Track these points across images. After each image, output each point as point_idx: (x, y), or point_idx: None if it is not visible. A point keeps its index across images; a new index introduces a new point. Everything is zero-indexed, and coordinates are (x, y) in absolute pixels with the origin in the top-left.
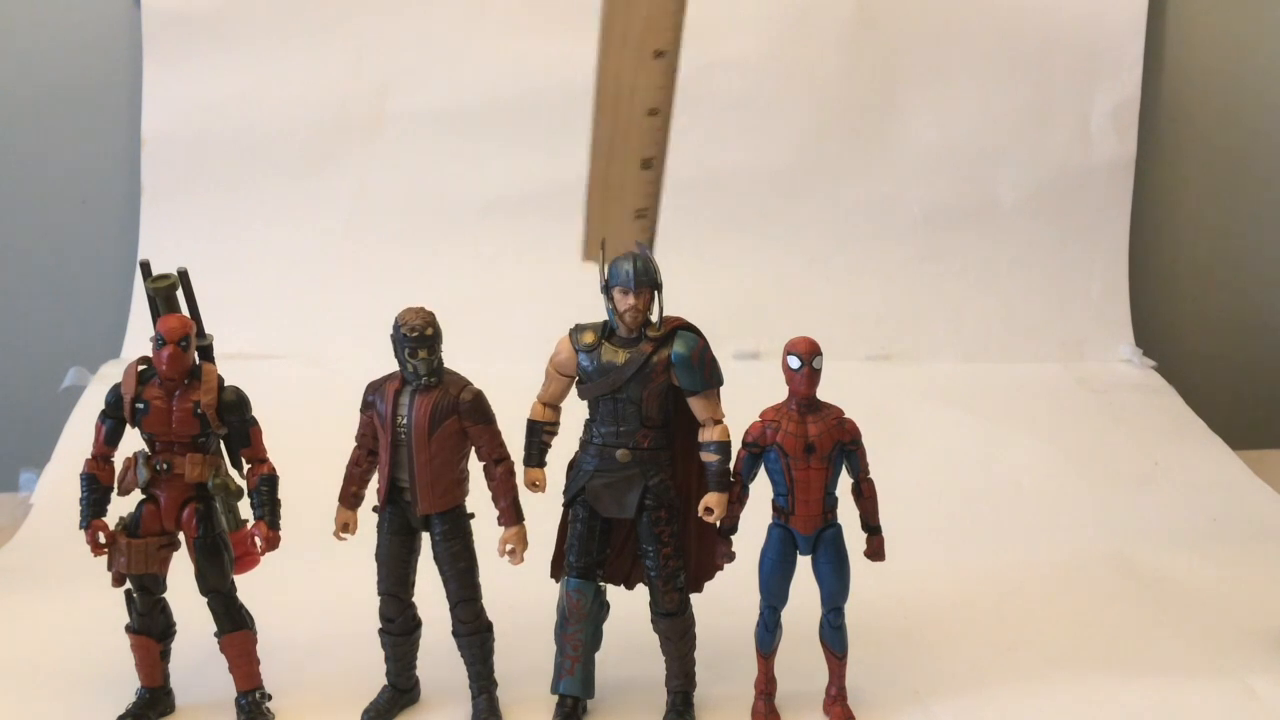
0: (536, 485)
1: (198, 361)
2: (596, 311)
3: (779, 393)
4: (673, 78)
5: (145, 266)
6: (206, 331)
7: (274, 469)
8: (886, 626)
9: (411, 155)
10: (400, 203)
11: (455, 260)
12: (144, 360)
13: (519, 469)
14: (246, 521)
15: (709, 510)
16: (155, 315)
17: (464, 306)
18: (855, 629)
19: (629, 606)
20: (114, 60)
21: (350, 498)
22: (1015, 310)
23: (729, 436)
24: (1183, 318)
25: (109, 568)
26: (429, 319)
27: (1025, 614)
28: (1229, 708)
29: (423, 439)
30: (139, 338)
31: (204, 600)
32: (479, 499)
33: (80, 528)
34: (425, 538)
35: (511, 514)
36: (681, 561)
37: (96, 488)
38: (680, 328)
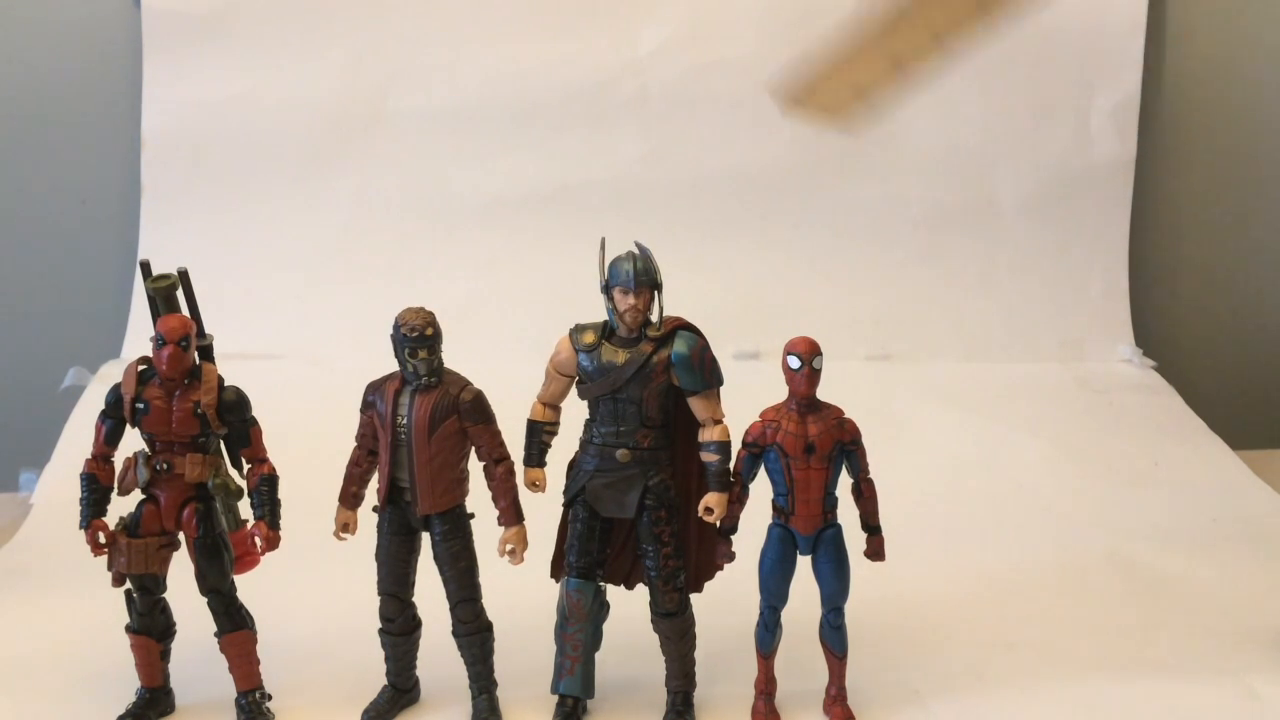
0: (536, 485)
1: (198, 361)
2: (596, 311)
3: (779, 393)
4: (984, 23)
5: (145, 266)
6: (206, 331)
7: (274, 469)
8: (886, 626)
9: (411, 155)
10: (400, 203)
11: (455, 260)
12: (144, 360)
13: (519, 469)
14: (246, 521)
15: (709, 510)
16: (155, 315)
17: (464, 306)
18: (855, 629)
19: (629, 606)
20: (114, 60)
21: (350, 498)
22: (1015, 310)
23: (729, 436)
24: (1183, 318)
25: (109, 568)
26: (429, 319)
27: (1025, 614)
28: (1229, 708)
29: (423, 439)
30: (139, 338)
31: (204, 600)
32: (479, 499)
33: (80, 528)
34: (425, 538)
35: (511, 514)
36: (681, 561)
37: (96, 488)
38: (680, 327)
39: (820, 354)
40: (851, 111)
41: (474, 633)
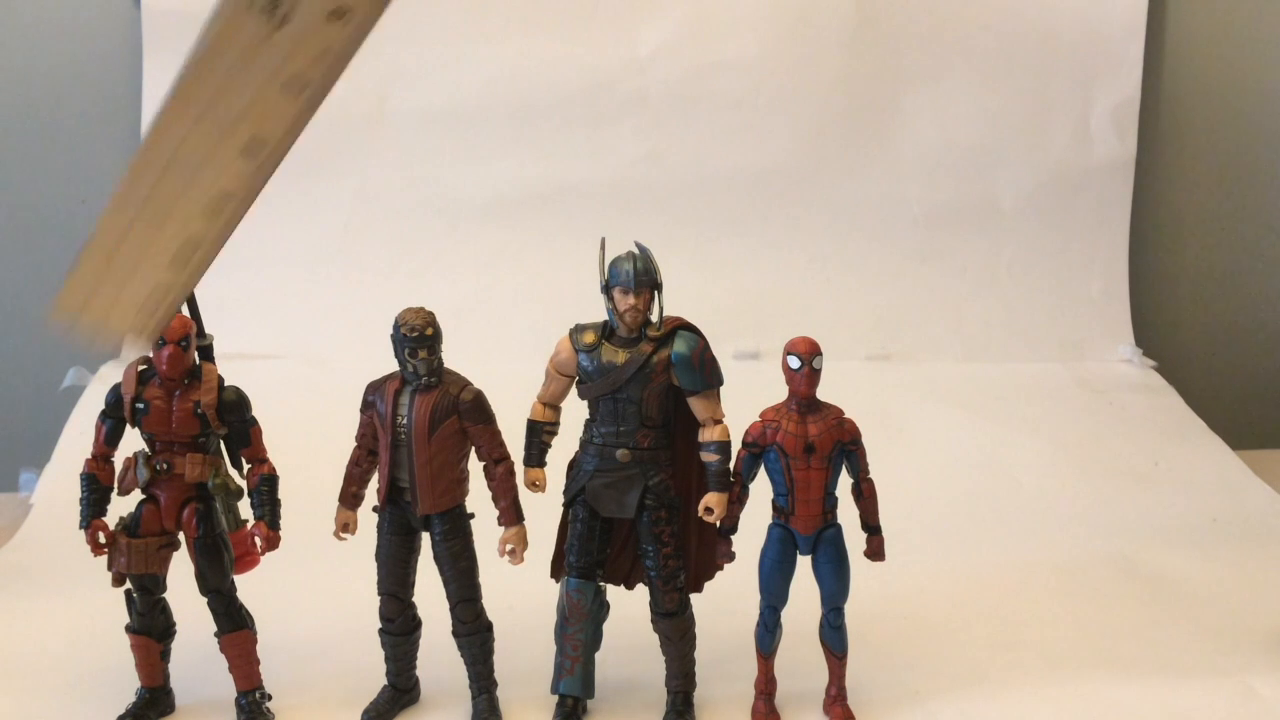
0: (536, 485)
1: (198, 361)
2: (596, 311)
3: (779, 393)
4: (261, 176)
5: None
6: (206, 331)
7: (274, 469)
8: (886, 626)
9: (412, 155)
10: (400, 203)
11: (455, 260)
12: (144, 360)
13: (519, 469)
14: (246, 521)
15: (709, 510)
16: None
17: (464, 306)
18: (855, 629)
19: (629, 606)
20: (114, 60)
21: (350, 498)
22: (1015, 310)
23: (729, 436)
24: (1183, 318)
25: (109, 568)
26: (429, 319)
27: (1025, 614)
28: (1229, 708)
29: (423, 439)
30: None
31: (204, 600)
32: (479, 499)
33: (80, 528)
34: (425, 538)
35: (511, 514)
36: (681, 561)
37: (96, 488)
38: (680, 327)
39: (820, 354)
40: (137, 325)
41: (474, 633)
